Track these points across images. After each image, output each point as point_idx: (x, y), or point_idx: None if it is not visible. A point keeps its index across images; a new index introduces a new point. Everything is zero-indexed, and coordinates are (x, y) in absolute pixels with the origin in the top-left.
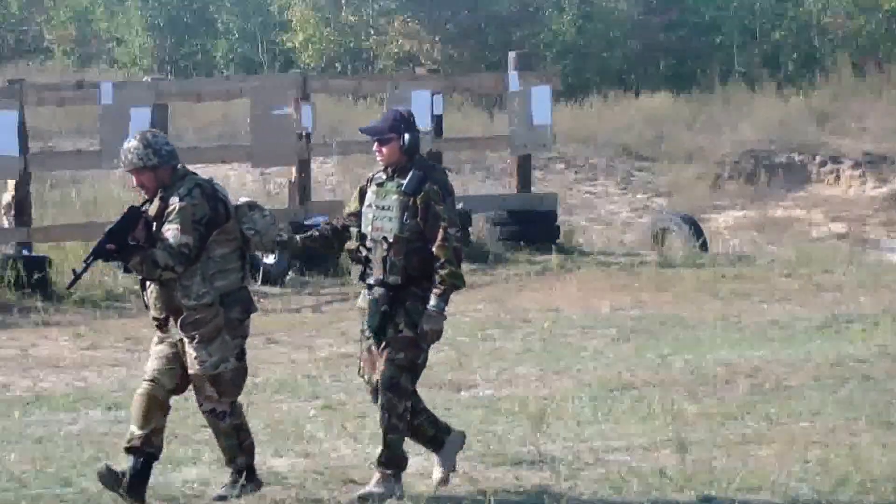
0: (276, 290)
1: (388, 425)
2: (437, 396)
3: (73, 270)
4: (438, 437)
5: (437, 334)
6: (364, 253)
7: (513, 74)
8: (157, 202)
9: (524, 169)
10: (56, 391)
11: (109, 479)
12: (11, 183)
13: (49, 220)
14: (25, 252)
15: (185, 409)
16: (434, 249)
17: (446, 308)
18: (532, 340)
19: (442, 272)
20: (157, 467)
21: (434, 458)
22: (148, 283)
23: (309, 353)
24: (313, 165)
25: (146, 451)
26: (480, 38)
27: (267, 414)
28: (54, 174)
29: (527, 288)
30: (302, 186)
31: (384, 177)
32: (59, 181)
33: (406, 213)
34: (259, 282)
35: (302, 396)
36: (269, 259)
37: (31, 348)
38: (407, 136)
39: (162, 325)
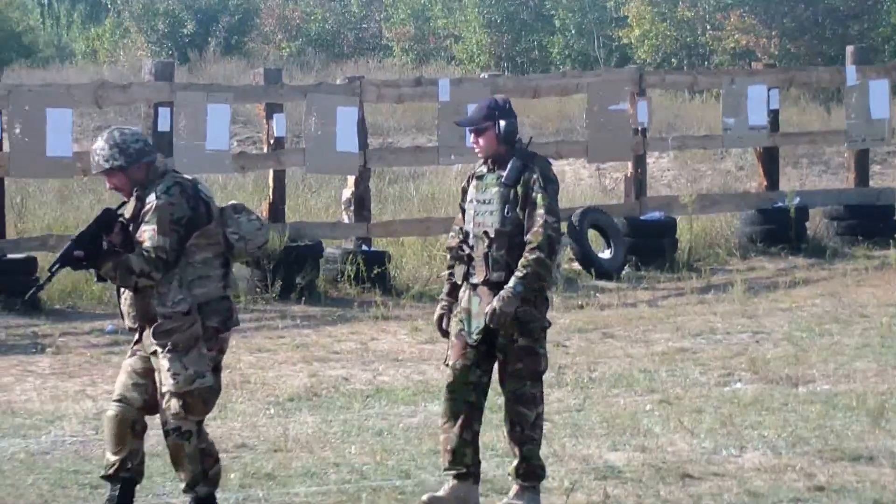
0: (612, 284)
1: (522, 437)
2: (775, 391)
3: (36, 279)
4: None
5: (505, 317)
6: (467, 251)
7: (850, 68)
8: (133, 202)
9: (861, 163)
10: (395, 384)
11: None
12: (351, 179)
13: (388, 215)
14: (365, 247)
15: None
16: (528, 235)
17: (522, 294)
18: (870, 335)
19: (529, 256)
20: (492, 459)
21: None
22: (122, 289)
23: (645, 348)
24: (649, 160)
25: (122, 478)
26: (818, 32)
27: (603, 408)
28: (393, 170)
29: (865, 283)
30: (638, 182)
31: (485, 169)
32: (397, 177)
33: (507, 206)
34: (594, 276)
35: (638, 390)
36: (605, 254)
37: (370, 342)
38: (502, 123)
39: (138, 336)
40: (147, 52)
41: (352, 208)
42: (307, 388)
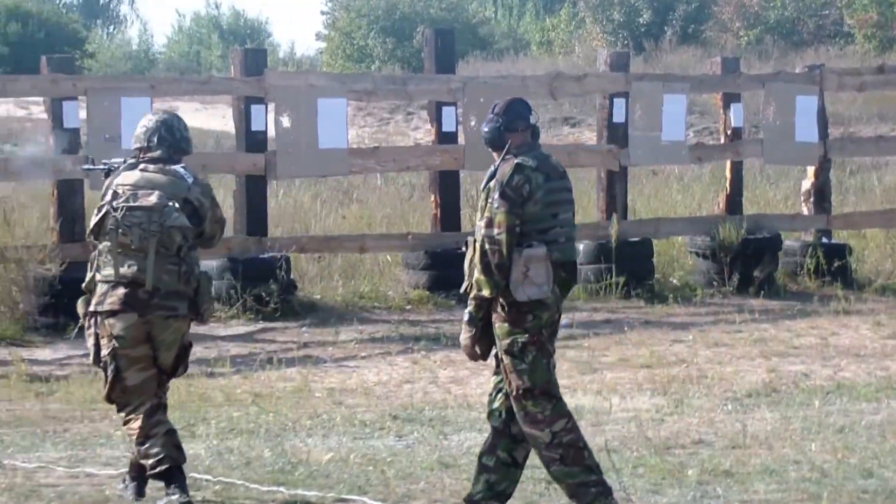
0: None
1: (544, 458)
2: None
3: None
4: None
5: (465, 348)
6: None
7: None
8: None
9: None
10: (857, 380)
11: None
12: (811, 169)
13: (849, 206)
14: (825, 239)
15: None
16: None
17: (472, 316)
18: None
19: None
20: None
21: None
22: None
23: None
24: None
25: None
26: None
27: None
28: (854, 160)
29: None
30: None
31: None
32: (859, 167)
33: (481, 215)
34: None
35: None
36: None
37: (831, 337)
38: (484, 129)
39: None
40: (602, 42)
41: (811, 200)
42: (765, 384)
